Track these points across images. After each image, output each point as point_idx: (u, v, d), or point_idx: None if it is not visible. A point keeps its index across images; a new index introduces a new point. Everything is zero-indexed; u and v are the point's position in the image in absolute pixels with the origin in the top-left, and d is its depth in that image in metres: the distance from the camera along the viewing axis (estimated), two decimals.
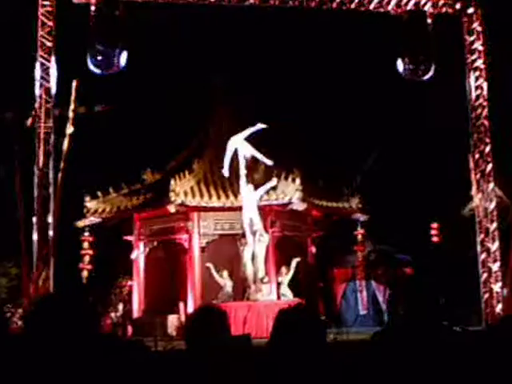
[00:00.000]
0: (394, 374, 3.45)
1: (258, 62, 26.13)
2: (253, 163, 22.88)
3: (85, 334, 2.89)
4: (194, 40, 25.54)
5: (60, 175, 17.80)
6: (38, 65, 18.33)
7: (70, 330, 2.84)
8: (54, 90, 18.41)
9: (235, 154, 21.59)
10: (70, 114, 18.08)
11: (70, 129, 17.92)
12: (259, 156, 21.96)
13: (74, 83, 18.20)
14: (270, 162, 22.11)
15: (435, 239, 25.96)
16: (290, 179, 22.84)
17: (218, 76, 26.12)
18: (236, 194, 22.26)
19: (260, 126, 21.58)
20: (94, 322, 3.03)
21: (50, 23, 18.42)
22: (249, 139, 21.80)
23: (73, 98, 18.19)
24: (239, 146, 21.59)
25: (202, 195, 22.63)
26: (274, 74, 26.36)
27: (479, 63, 21.03)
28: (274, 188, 22.74)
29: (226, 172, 21.60)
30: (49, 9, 18.40)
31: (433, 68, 18.80)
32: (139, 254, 24.53)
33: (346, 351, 3.78)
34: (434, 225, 25.90)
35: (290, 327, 3.23)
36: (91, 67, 17.43)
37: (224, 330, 3.52)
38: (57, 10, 18.47)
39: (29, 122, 18.16)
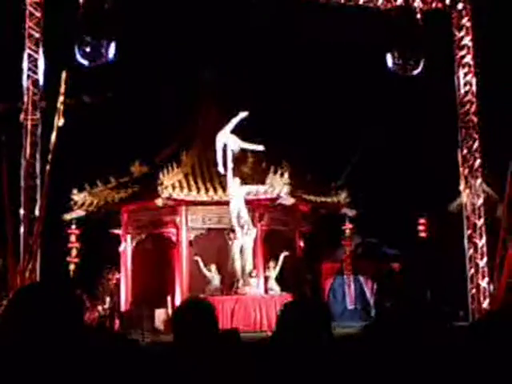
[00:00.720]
0: (381, 368, 3.43)
1: (247, 55, 26.06)
2: (241, 156, 22.87)
3: (70, 326, 2.84)
4: (184, 32, 25.43)
5: (47, 167, 17.69)
6: (25, 56, 18.20)
7: (53, 320, 2.79)
8: (41, 82, 18.30)
9: (225, 148, 21.54)
10: (61, 106, 17.93)
11: (60, 121, 17.78)
12: (249, 146, 21.91)
13: (64, 74, 18.05)
14: (261, 148, 22.04)
15: (423, 234, 26.03)
16: (278, 173, 22.82)
17: (207, 68, 26.07)
18: (224, 187, 22.24)
19: (242, 114, 21.54)
20: (79, 314, 2.98)
21: (38, 14, 18.30)
22: (236, 132, 21.76)
23: (62, 89, 18.04)
24: (227, 140, 21.53)
25: (190, 189, 22.59)
26: (262, 67, 26.29)
27: (468, 59, 21.07)
28: (262, 182, 22.75)
29: (221, 169, 21.56)
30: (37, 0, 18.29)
31: (422, 63, 18.79)
32: (126, 247, 24.49)
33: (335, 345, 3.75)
34: (422, 220, 25.96)
35: (295, 320, 3.21)
36: (79, 58, 17.30)
37: (211, 323, 3.49)
38: (45, 1, 18.35)
39: (22, 116, 18.03)
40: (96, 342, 3.03)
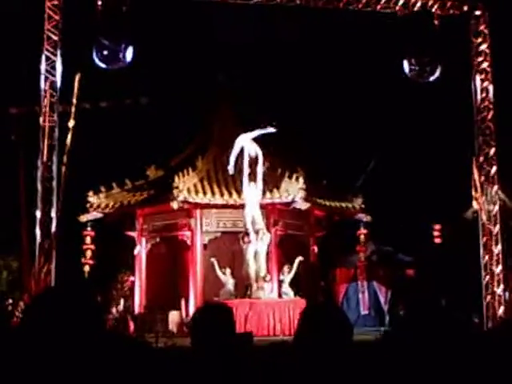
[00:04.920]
0: (397, 376, 3.43)
1: (262, 60, 26.10)
2: (256, 162, 22.87)
3: (87, 330, 2.85)
4: (200, 37, 25.50)
5: (63, 169, 17.77)
6: (43, 59, 18.29)
7: (71, 324, 2.81)
8: (59, 84, 18.38)
9: (241, 152, 21.55)
10: (72, 108, 18.01)
11: (71, 122, 17.85)
12: (261, 160, 21.82)
13: (77, 77, 18.14)
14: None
15: (437, 240, 25.93)
16: (293, 178, 22.83)
17: (223, 74, 26.14)
18: (239, 191, 22.26)
19: (270, 129, 21.57)
20: (98, 318, 2.99)
21: (57, 17, 18.38)
22: (255, 138, 21.78)
23: (75, 91, 18.13)
24: (246, 144, 21.55)
25: (205, 192, 22.64)
26: (278, 72, 26.32)
27: (485, 65, 20.98)
28: (277, 187, 22.79)
29: (231, 170, 21.56)
30: (55, 2, 18.36)
31: (439, 69, 18.75)
32: (141, 250, 24.55)
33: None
34: (437, 226, 25.86)
35: (317, 326, 3.21)
36: (97, 62, 17.40)
37: (229, 328, 3.51)
38: (63, 4, 18.44)
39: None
40: (110, 345, 3.04)
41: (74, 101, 18.05)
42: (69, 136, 17.82)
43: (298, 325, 3.26)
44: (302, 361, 3.15)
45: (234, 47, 24.69)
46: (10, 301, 20.41)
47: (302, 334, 3.22)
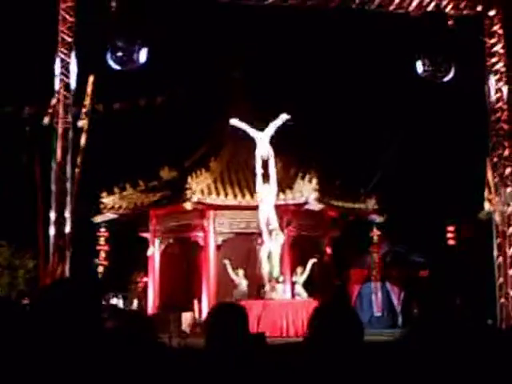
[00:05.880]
0: (406, 378, 3.42)
1: (277, 60, 26.09)
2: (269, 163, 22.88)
3: (93, 325, 2.87)
4: (213, 35, 25.51)
5: (77, 170, 17.84)
6: (57, 60, 18.35)
7: (77, 316, 2.82)
8: (73, 86, 18.44)
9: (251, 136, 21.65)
10: (85, 108, 18.07)
11: (84, 123, 17.91)
12: (273, 161, 21.80)
13: (91, 78, 18.20)
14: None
15: (451, 242, 25.85)
16: (306, 179, 22.82)
17: (237, 72, 26.15)
18: (252, 192, 22.28)
19: (284, 117, 21.55)
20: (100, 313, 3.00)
21: (71, 19, 18.45)
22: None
23: (89, 92, 18.18)
24: (260, 139, 21.53)
25: (218, 193, 22.67)
26: (292, 72, 26.31)
27: (499, 66, 20.89)
28: (290, 187, 22.79)
29: (234, 121, 21.83)
30: (69, 4, 18.43)
31: (453, 70, 18.70)
32: (154, 251, 24.61)
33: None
34: (451, 227, 25.78)
35: (327, 325, 3.21)
36: (110, 63, 17.44)
37: (243, 328, 3.52)
38: (77, 6, 18.49)
39: (46, 119, 18.16)
40: (121, 344, 3.06)
41: (88, 102, 18.11)
42: (82, 137, 17.89)
43: (309, 324, 3.26)
44: (312, 360, 3.15)
45: (248, 45, 24.71)
46: (26, 301, 20.51)
47: (312, 333, 3.22)
